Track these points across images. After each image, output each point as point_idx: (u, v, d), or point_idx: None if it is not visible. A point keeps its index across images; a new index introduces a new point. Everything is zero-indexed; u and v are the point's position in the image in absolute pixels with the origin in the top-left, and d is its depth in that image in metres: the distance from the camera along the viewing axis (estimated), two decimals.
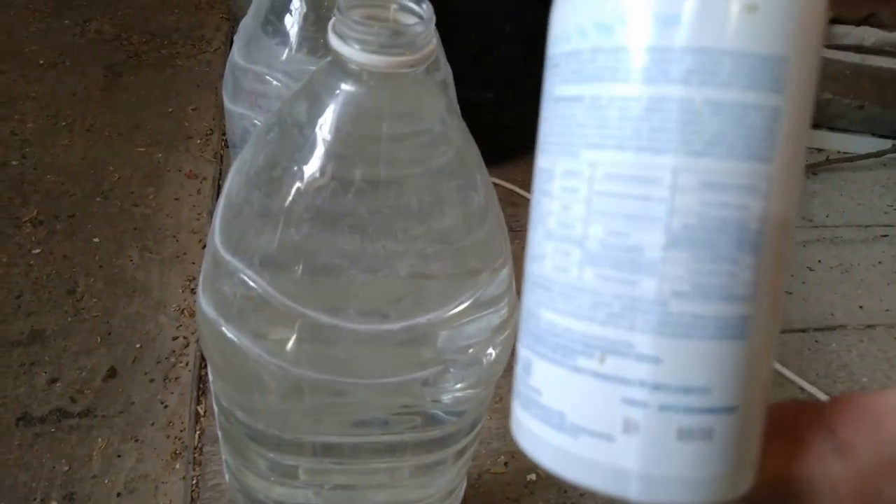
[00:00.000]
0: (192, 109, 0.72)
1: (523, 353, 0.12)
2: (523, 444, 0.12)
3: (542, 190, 0.11)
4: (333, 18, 0.21)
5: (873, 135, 0.81)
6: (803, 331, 0.55)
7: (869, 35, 0.82)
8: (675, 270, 0.10)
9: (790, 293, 0.59)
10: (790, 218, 0.11)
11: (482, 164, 0.26)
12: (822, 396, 0.49)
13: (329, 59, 0.22)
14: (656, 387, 0.10)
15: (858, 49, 0.81)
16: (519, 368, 0.12)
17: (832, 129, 0.81)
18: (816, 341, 0.54)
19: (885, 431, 0.11)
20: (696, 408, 0.10)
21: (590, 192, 0.10)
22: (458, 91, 0.41)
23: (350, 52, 0.21)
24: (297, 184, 0.23)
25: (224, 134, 0.69)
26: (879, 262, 0.64)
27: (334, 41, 0.21)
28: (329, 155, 0.23)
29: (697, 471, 0.11)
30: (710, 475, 0.11)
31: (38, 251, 0.54)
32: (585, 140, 0.10)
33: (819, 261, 0.63)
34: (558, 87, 0.11)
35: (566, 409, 0.11)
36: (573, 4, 0.11)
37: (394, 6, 0.22)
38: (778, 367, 0.51)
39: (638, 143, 0.10)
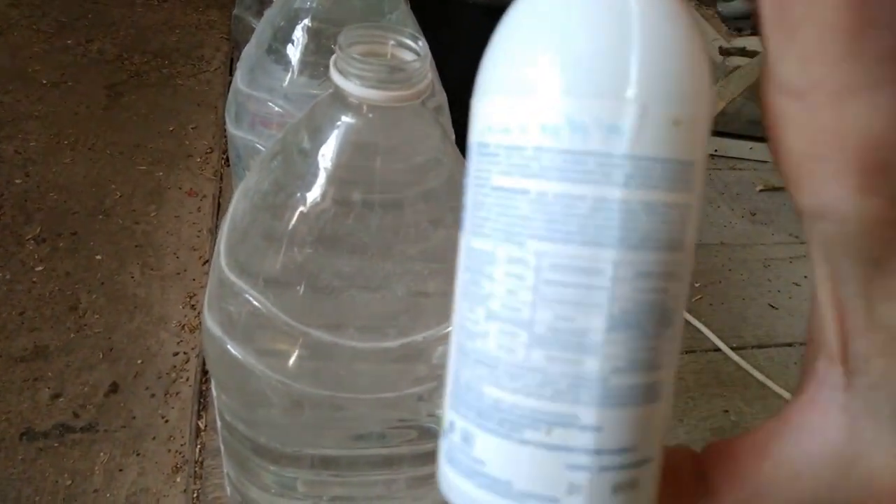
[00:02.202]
0: (192, 128, 0.74)
1: (461, 424, 0.13)
2: None
3: (481, 271, 0.12)
4: (335, 55, 0.23)
5: None
6: (789, 345, 0.57)
7: None
8: (614, 350, 0.11)
9: (776, 308, 0.60)
10: (687, 292, 0.12)
11: None
12: None
13: (330, 91, 0.24)
14: (598, 452, 0.12)
15: None
16: (456, 438, 0.13)
17: None
18: (802, 356, 0.56)
19: (742, 469, 0.13)
20: (627, 464, 0.12)
21: (537, 280, 0.11)
22: (454, 113, 0.42)
23: (350, 86, 0.22)
24: (300, 208, 0.24)
25: (224, 152, 0.71)
26: None
27: (335, 76, 0.23)
28: (330, 181, 0.24)
29: None
30: None
31: (40, 268, 0.55)
32: (531, 231, 0.11)
33: (805, 276, 0.65)
34: (498, 178, 0.12)
35: (512, 477, 0.12)
36: (511, 100, 0.12)
37: (391, 42, 0.24)
38: (764, 380, 0.52)
39: (583, 238, 0.11)
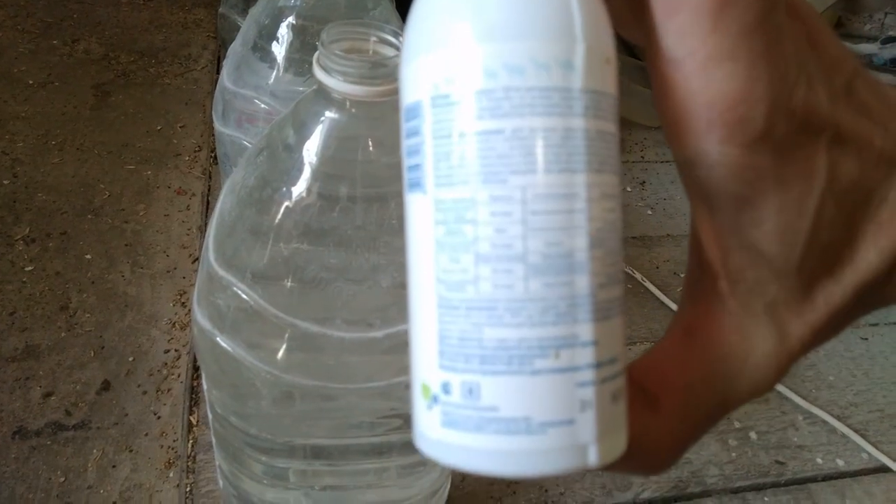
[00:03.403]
0: (180, 127, 0.74)
1: (461, 379, 0.13)
2: (477, 465, 0.12)
3: (461, 219, 0.12)
4: (318, 52, 0.23)
5: None
6: None
7: None
8: (597, 266, 0.12)
9: None
10: None
11: None
12: (790, 394, 0.51)
13: (314, 87, 0.24)
14: (598, 365, 0.12)
15: None
16: (455, 396, 0.13)
17: None
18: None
19: (674, 382, 0.15)
20: (617, 372, 0.13)
21: (524, 212, 0.12)
22: None
23: (333, 82, 0.23)
24: (286, 203, 0.25)
25: (212, 150, 0.71)
26: None
27: (318, 73, 0.23)
28: (315, 176, 0.24)
29: (621, 422, 0.13)
30: (624, 423, 0.13)
31: (30, 268, 0.55)
32: (512, 167, 0.12)
33: None
34: (467, 124, 0.12)
35: (530, 412, 0.12)
36: (474, 48, 0.12)
37: (373, 39, 0.24)
38: None
39: (559, 166, 0.12)
